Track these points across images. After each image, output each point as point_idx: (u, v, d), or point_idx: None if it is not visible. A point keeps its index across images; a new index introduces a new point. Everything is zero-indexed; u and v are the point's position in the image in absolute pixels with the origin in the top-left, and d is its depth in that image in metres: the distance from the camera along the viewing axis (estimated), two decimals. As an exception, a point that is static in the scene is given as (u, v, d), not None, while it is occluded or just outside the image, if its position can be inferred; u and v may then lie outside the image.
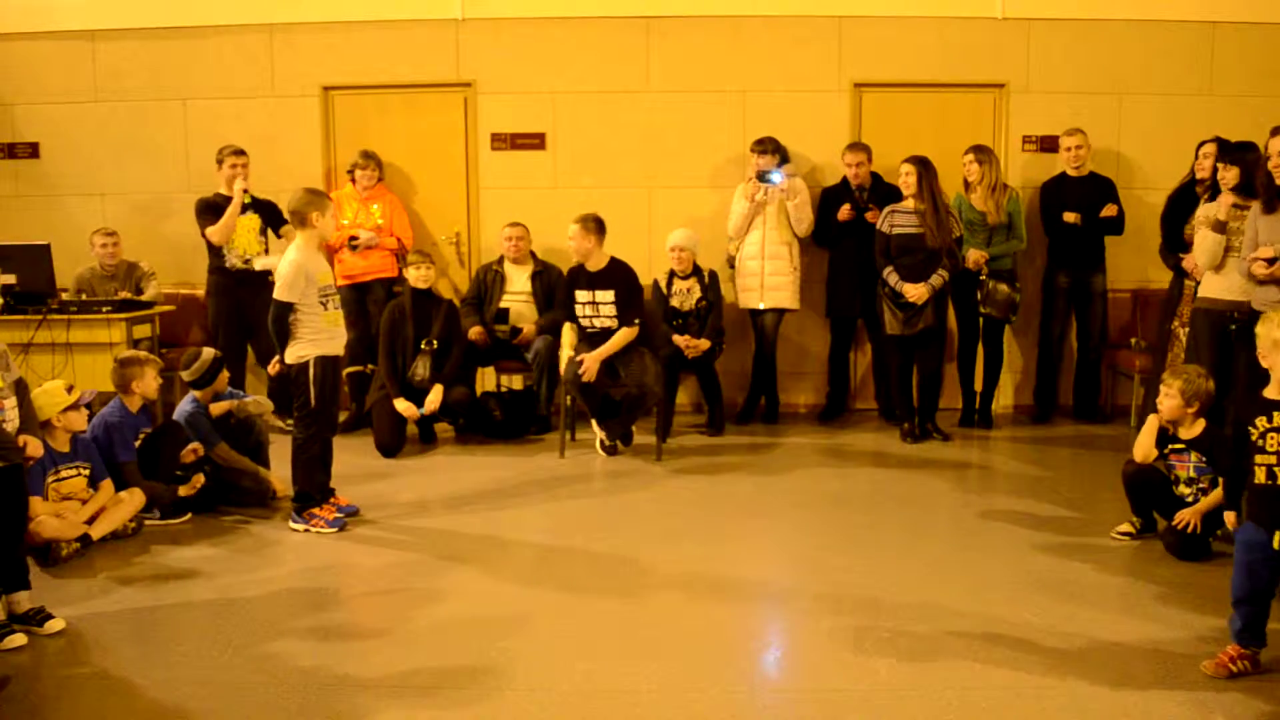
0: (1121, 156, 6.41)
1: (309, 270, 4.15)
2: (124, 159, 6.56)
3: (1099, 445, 5.71)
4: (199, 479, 4.43)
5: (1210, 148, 5.15)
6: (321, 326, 4.19)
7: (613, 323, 5.42)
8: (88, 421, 4.13)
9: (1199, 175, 5.23)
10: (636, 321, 5.41)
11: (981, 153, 5.87)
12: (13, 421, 3.26)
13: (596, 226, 5.36)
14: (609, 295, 5.40)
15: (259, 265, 5.53)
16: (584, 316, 5.48)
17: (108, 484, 4.14)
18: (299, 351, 4.17)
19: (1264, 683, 2.81)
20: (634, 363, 5.35)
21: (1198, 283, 4.71)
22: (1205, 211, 4.60)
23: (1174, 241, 5.28)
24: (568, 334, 5.57)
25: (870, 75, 6.44)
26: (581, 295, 5.45)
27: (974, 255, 5.78)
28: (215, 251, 5.91)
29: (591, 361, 5.28)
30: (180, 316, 6.35)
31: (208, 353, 4.70)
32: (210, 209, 5.85)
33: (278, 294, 4.12)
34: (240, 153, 5.90)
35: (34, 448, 3.18)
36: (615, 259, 5.45)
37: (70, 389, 3.95)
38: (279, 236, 5.95)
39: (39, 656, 3.04)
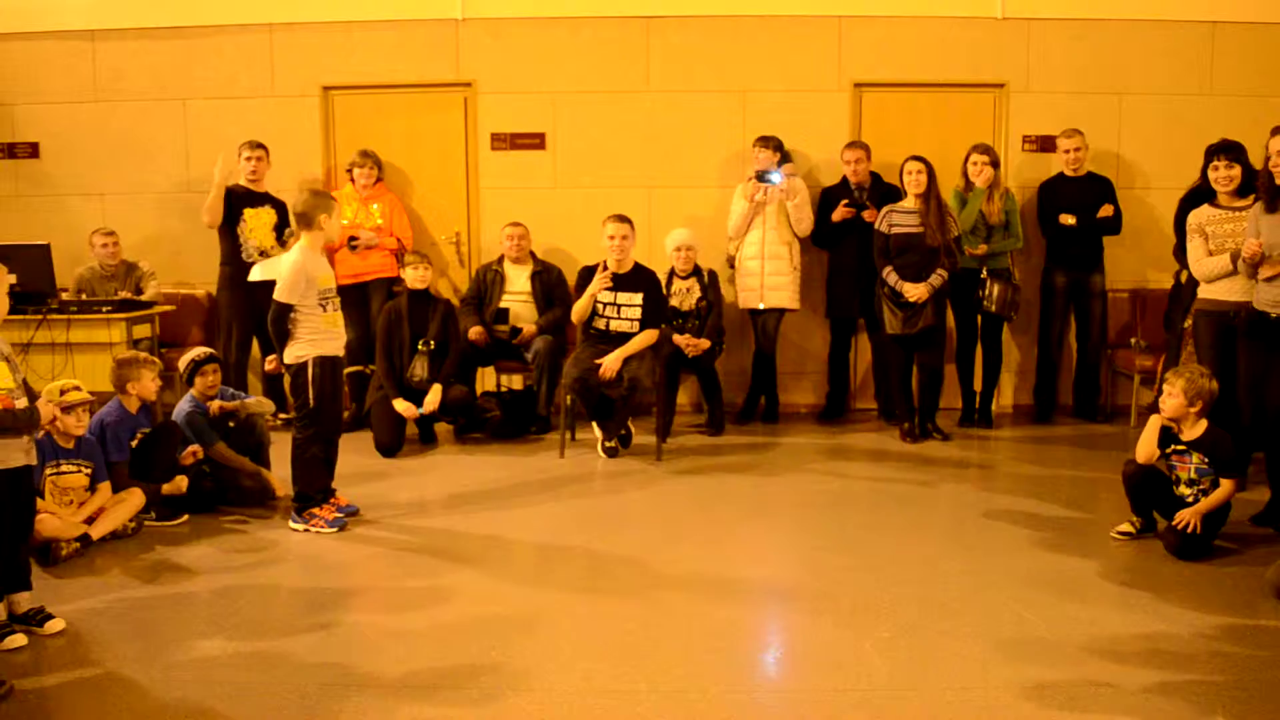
0: (1121, 157, 6.41)
1: (310, 272, 4.16)
2: (124, 159, 6.56)
3: (1099, 445, 5.71)
4: (182, 480, 4.41)
5: None
6: (321, 328, 4.20)
7: (631, 325, 5.42)
8: (85, 424, 4.11)
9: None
10: (661, 326, 5.46)
11: (993, 153, 5.90)
12: None
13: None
14: (635, 298, 5.41)
15: (254, 276, 5.52)
16: (601, 317, 5.48)
17: (106, 485, 4.13)
18: (297, 352, 4.18)
19: (1264, 682, 2.81)
20: (633, 360, 5.35)
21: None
22: (1195, 219, 4.59)
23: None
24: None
25: (870, 75, 6.44)
26: (602, 296, 5.44)
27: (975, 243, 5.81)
28: (230, 245, 5.92)
29: (613, 361, 5.28)
30: (180, 316, 6.35)
31: (192, 352, 4.74)
32: (229, 197, 5.93)
33: (278, 295, 4.13)
34: (253, 145, 6.01)
35: (46, 412, 3.20)
36: (638, 263, 5.47)
37: (64, 391, 3.92)
38: (282, 242, 5.94)
39: (39, 656, 3.04)
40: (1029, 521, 4.29)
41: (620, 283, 5.43)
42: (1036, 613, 3.29)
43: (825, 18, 6.38)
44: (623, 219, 5.44)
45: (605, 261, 5.40)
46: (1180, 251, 5.36)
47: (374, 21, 6.43)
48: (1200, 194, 5.26)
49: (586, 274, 5.51)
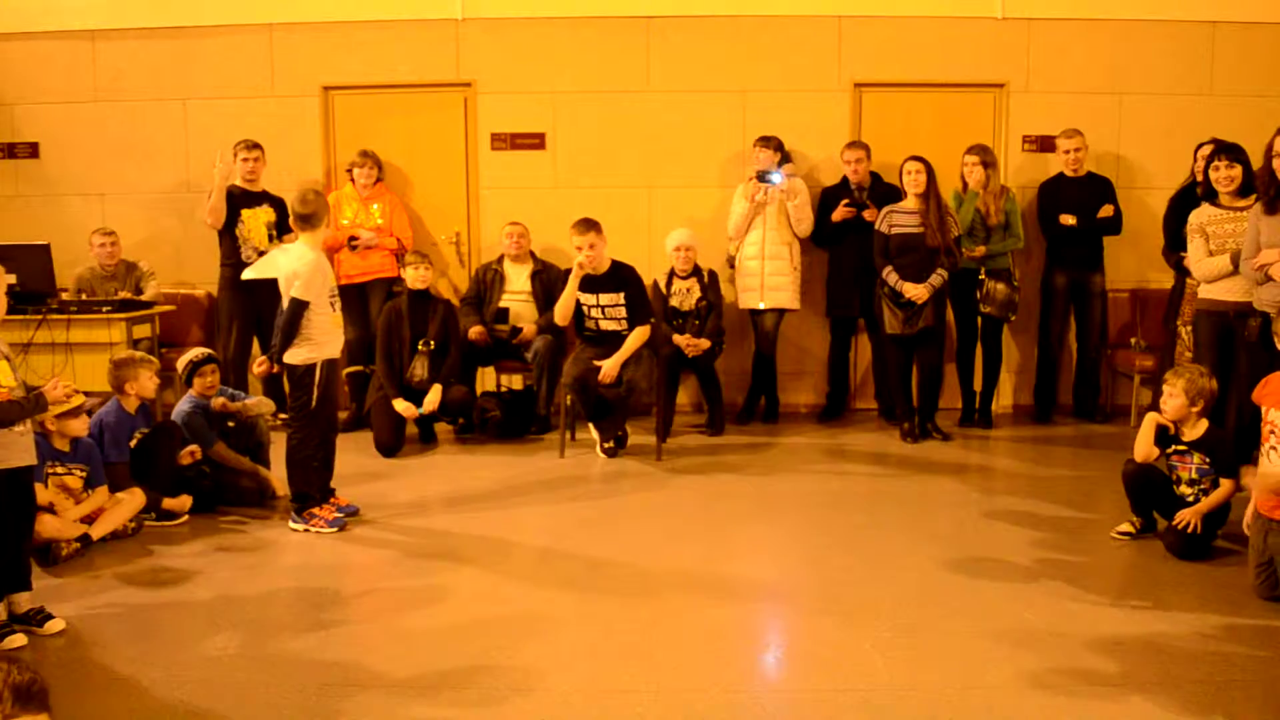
0: (1121, 157, 6.41)
1: (324, 269, 4.16)
2: (124, 159, 6.56)
3: (1099, 445, 5.71)
4: (186, 499, 4.40)
5: (1209, 149, 5.14)
6: (328, 327, 4.21)
7: (620, 324, 5.41)
8: (87, 426, 4.12)
9: (1200, 178, 5.22)
10: (650, 320, 5.42)
11: (987, 154, 5.89)
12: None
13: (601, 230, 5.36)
14: (617, 298, 5.39)
15: (248, 275, 5.50)
16: (589, 319, 5.47)
17: (103, 488, 4.10)
18: (305, 354, 4.17)
19: (1264, 681, 2.81)
20: (629, 361, 5.34)
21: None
22: (1196, 219, 4.59)
23: (1176, 242, 5.28)
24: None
25: (870, 75, 6.44)
26: (585, 299, 5.43)
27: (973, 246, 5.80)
28: (229, 246, 5.93)
29: (612, 366, 5.26)
30: (180, 316, 6.35)
31: (190, 353, 4.74)
32: (227, 199, 5.90)
33: (299, 292, 4.11)
34: (249, 145, 5.98)
35: (55, 395, 3.19)
36: (616, 261, 5.43)
37: (71, 394, 3.92)
38: (279, 238, 5.94)
39: (39, 656, 3.04)
40: (1029, 521, 4.29)
41: (599, 284, 5.39)
42: (1037, 612, 3.29)
43: (825, 18, 6.38)
44: (587, 226, 5.27)
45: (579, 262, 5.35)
46: (1169, 251, 5.37)
47: (374, 21, 6.43)
48: (1190, 192, 5.27)
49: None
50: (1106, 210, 5.98)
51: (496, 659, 2.98)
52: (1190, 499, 3.90)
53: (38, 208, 6.58)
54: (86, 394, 4.03)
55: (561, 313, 5.43)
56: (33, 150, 6.61)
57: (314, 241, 4.22)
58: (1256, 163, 4.35)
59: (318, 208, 4.21)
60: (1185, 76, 6.36)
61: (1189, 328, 5.09)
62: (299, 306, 4.12)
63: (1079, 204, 5.97)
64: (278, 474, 4.62)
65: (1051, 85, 6.38)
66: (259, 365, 4.43)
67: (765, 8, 6.37)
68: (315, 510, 4.24)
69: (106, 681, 2.87)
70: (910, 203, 5.57)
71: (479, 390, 6.20)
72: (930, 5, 6.34)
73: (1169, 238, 5.37)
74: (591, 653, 3.04)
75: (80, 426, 4.00)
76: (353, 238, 6.00)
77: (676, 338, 5.85)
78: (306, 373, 4.17)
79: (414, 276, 5.67)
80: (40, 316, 5.30)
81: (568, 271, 5.45)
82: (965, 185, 5.95)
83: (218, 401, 4.68)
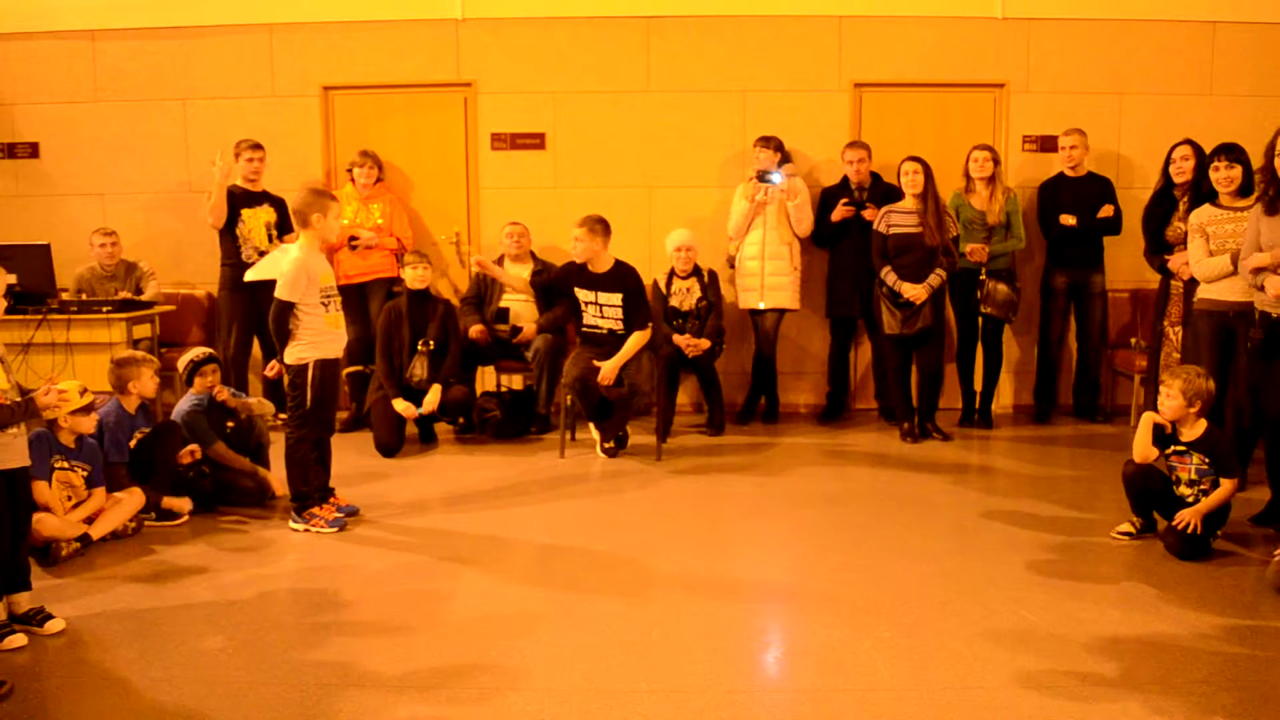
0: (1121, 156, 6.41)
1: (311, 269, 4.15)
2: (124, 159, 6.56)
3: (1099, 445, 5.71)
4: (186, 501, 4.41)
5: (1185, 149, 5.14)
6: (322, 328, 4.19)
7: (617, 324, 5.41)
8: (95, 424, 4.12)
9: (1176, 179, 5.21)
10: (649, 324, 5.41)
11: (994, 152, 5.90)
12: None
13: (603, 229, 5.33)
14: (615, 299, 5.38)
15: (250, 276, 5.50)
16: (586, 315, 5.47)
17: (101, 490, 4.10)
18: (299, 354, 4.17)
19: (1264, 682, 2.81)
20: (631, 363, 5.34)
21: (1184, 281, 4.71)
22: (1196, 218, 4.58)
23: (1157, 244, 5.29)
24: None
25: (870, 75, 6.44)
26: (583, 295, 5.43)
27: (973, 248, 5.79)
28: (230, 246, 5.94)
29: (611, 369, 5.26)
30: (180, 316, 6.35)
31: (191, 353, 4.74)
32: (228, 198, 5.90)
33: (279, 293, 4.12)
34: (252, 145, 5.99)
35: (46, 400, 3.19)
36: (619, 261, 5.43)
37: (84, 391, 3.94)
38: (280, 238, 5.95)
39: (39, 656, 3.04)
40: (1029, 521, 4.29)
41: (599, 282, 5.39)
42: (1036, 612, 3.29)
43: (825, 18, 6.38)
44: (584, 221, 5.30)
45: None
46: (1150, 253, 5.37)
47: (374, 21, 6.43)
48: (1166, 194, 5.27)
49: (569, 271, 5.48)
50: (1106, 210, 5.98)
51: (495, 658, 2.98)
52: (1190, 499, 3.90)
53: (38, 208, 6.58)
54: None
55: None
56: (33, 150, 6.61)
57: (309, 239, 4.21)
58: (1257, 163, 4.34)
59: (307, 205, 4.19)
60: (1185, 76, 6.37)
61: (1176, 328, 5.10)
62: (280, 307, 4.12)
63: (1079, 204, 5.97)
64: (278, 474, 4.62)
65: (1051, 85, 6.39)
66: (270, 369, 4.45)
67: (765, 8, 6.37)
68: (315, 510, 4.24)
69: (106, 682, 2.87)
70: (908, 203, 5.58)
71: (479, 390, 6.20)
72: (930, 5, 6.35)
73: (1150, 240, 5.37)
74: (591, 652, 3.03)
75: (90, 424, 4.02)
76: (353, 238, 6.01)
77: (676, 338, 5.85)
78: (300, 373, 4.17)
79: (414, 276, 5.67)
80: (40, 316, 5.31)
81: (568, 267, 5.47)
82: (968, 181, 5.95)
83: (223, 393, 4.67)
